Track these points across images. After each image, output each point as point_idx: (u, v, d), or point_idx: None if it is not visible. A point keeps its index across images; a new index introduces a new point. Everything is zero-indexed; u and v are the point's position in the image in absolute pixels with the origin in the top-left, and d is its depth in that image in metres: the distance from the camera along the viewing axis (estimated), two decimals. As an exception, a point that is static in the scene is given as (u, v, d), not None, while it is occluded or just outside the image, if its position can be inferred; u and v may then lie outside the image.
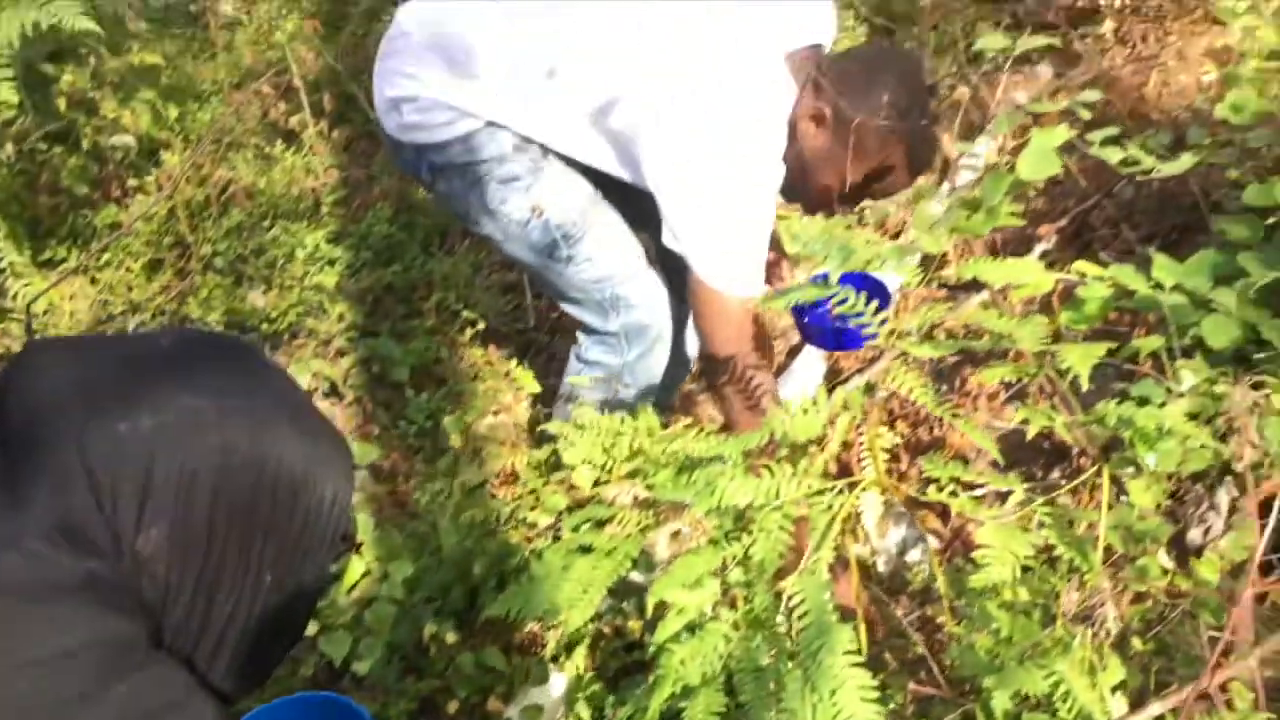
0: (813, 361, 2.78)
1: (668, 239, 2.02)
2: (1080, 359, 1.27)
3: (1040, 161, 1.35)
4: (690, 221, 1.97)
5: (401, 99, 2.15)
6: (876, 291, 2.16)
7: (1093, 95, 1.43)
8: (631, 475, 1.94)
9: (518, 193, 2.18)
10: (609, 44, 2.03)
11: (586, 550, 1.72)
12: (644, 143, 1.99)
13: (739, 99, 1.94)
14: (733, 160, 1.93)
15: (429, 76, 2.12)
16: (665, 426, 2.04)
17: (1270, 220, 2.13)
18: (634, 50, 2.01)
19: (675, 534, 1.72)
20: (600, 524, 1.87)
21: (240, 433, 1.00)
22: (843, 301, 1.46)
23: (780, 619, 1.40)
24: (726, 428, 2.09)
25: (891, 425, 2.58)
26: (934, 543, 2.28)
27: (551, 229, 2.21)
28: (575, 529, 1.93)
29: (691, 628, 1.46)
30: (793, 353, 2.85)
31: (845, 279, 2.41)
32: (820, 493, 1.49)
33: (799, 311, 2.21)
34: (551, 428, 2.14)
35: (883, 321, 1.46)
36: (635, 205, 2.15)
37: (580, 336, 2.42)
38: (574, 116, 2.08)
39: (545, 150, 2.15)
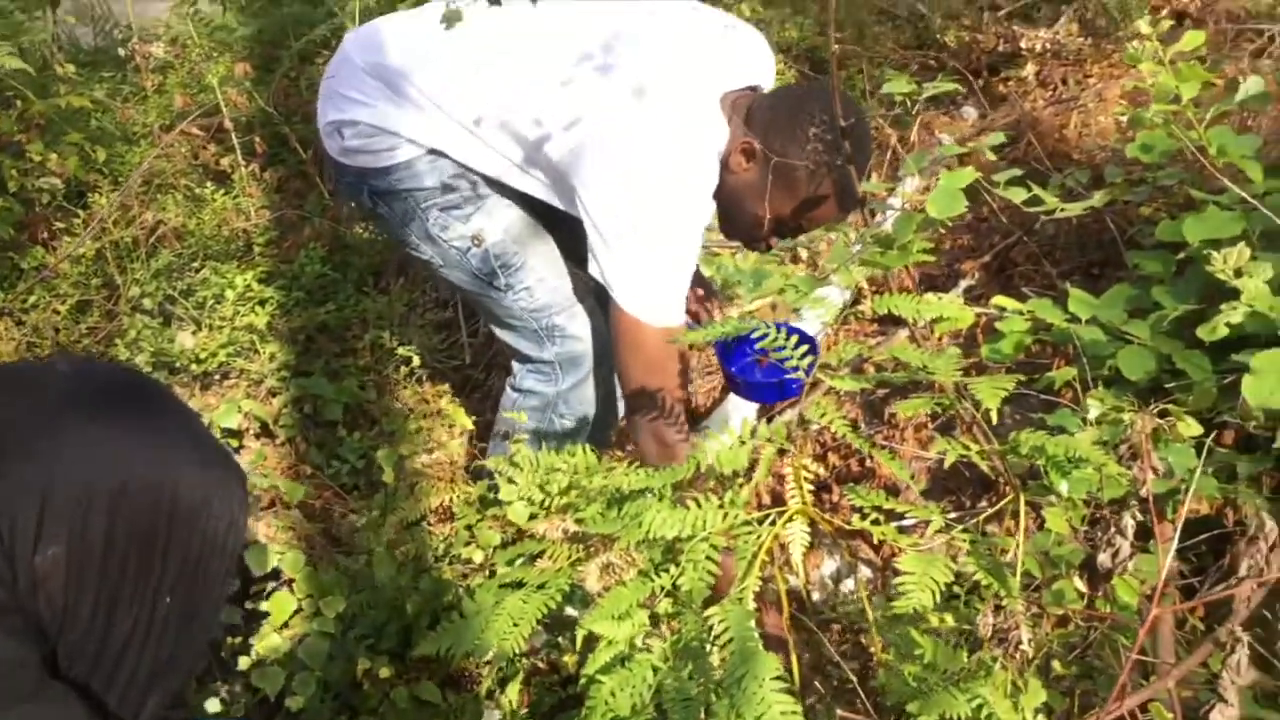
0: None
1: (591, 266, 2.04)
2: (989, 392, 1.30)
3: (947, 201, 1.40)
4: (613, 249, 1.99)
5: (343, 123, 2.17)
6: (804, 340, 2.19)
7: (998, 138, 1.48)
8: (564, 509, 1.95)
9: (458, 221, 2.20)
10: (545, 78, 2.05)
11: (518, 585, 1.73)
12: (577, 173, 2.02)
13: (669, 136, 1.97)
14: (659, 193, 1.96)
15: (371, 102, 2.14)
16: (601, 461, 2.05)
17: (1181, 255, 2.21)
18: (569, 86, 2.03)
19: (606, 566, 1.73)
20: (532, 559, 1.88)
21: (139, 458, 1.03)
22: (765, 340, 1.49)
23: (710, 648, 1.42)
24: (641, 461, 2.11)
25: (823, 457, 2.62)
26: (867, 572, 2.31)
27: (491, 258, 2.23)
28: (508, 564, 1.93)
29: (622, 659, 1.47)
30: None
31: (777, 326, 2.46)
32: (747, 523, 1.51)
33: (723, 360, 2.26)
34: (488, 464, 2.15)
35: (809, 370, 1.49)
36: (574, 236, 2.18)
37: (515, 365, 2.43)
38: (510, 149, 2.11)
39: (485, 179, 2.17)
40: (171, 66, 3.99)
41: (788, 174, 1.99)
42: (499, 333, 2.41)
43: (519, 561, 1.89)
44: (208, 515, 1.07)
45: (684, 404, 2.08)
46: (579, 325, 2.30)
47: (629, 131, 1.97)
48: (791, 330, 2.15)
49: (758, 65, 2.16)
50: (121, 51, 4.07)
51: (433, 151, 2.13)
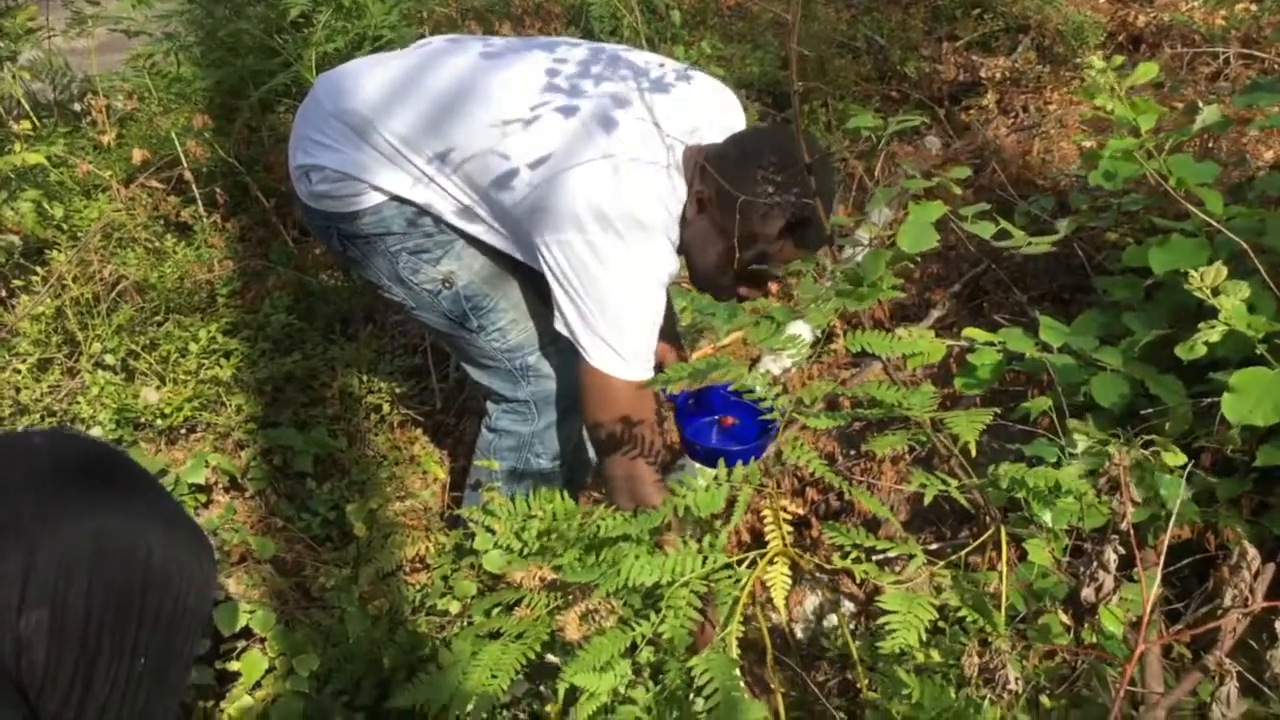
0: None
1: (558, 322, 2.04)
2: (966, 427, 1.29)
3: (919, 235, 1.39)
4: (579, 306, 1.99)
5: (310, 167, 2.15)
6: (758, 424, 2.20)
7: (964, 171, 1.48)
8: (540, 553, 1.92)
9: (427, 264, 2.19)
10: (509, 120, 2.04)
11: (496, 635, 1.70)
12: (539, 231, 2.01)
13: (630, 193, 1.96)
14: (621, 252, 1.96)
15: (337, 147, 2.12)
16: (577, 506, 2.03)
17: (1150, 280, 2.21)
18: (530, 143, 2.02)
19: (586, 614, 1.70)
20: (509, 608, 1.84)
21: (115, 527, 1.08)
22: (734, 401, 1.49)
23: (694, 696, 1.39)
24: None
25: (801, 492, 2.60)
26: (850, 606, 2.28)
27: (461, 300, 2.22)
28: (485, 614, 1.89)
29: (605, 710, 1.45)
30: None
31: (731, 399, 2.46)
32: (727, 567, 1.49)
33: (680, 420, 2.25)
34: (463, 513, 2.12)
35: (760, 450, 1.49)
36: (543, 277, 2.16)
37: (489, 406, 2.41)
38: (473, 196, 2.10)
39: (451, 226, 2.16)
40: (131, 119, 3.95)
41: (742, 217, 1.97)
42: (473, 373, 2.39)
43: (496, 611, 1.86)
44: (179, 579, 1.12)
45: (656, 453, 2.06)
46: (552, 364, 2.29)
47: (589, 188, 1.96)
48: (752, 408, 2.15)
49: (722, 118, 2.15)
50: (77, 106, 4.04)
51: (396, 198, 2.12)
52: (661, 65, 2.16)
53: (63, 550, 1.04)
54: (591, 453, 2.37)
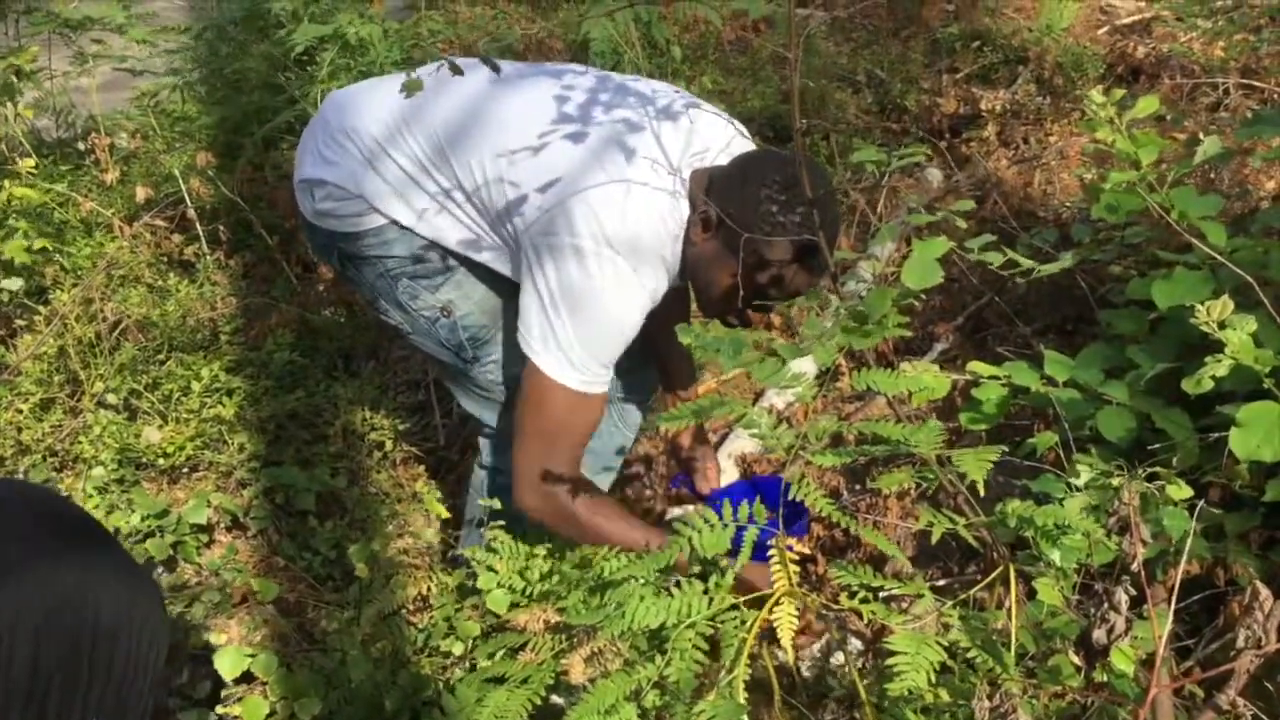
0: (726, 468, 2.79)
1: (520, 324, 2.01)
2: (974, 465, 1.28)
3: (923, 272, 1.39)
4: (545, 308, 1.96)
5: (314, 182, 2.15)
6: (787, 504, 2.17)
7: (968, 204, 1.48)
8: (544, 597, 1.91)
9: (427, 291, 2.18)
10: (518, 146, 2.03)
11: (500, 680, 1.68)
12: (530, 239, 1.99)
13: (632, 220, 1.95)
14: (609, 268, 1.94)
15: (341, 163, 2.12)
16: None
17: (1154, 313, 2.20)
18: (539, 168, 2.01)
19: (591, 657, 1.68)
20: (514, 651, 1.83)
21: (60, 583, 1.05)
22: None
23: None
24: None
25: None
26: (857, 645, 2.26)
27: (459, 329, 2.21)
28: (489, 657, 1.88)
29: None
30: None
31: (762, 482, 2.44)
32: (733, 608, 1.47)
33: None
34: (464, 553, 2.10)
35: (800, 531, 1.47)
36: None
37: (481, 442, 2.40)
38: (479, 219, 2.09)
39: (453, 253, 2.15)
40: (134, 157, 3.97)
41: (747, 242, 1.93)
42: (465, 403, 2.38)
43: (500, 654, 1.84)
44: (129, 634, 1.09)
45: (578, 485, 2.04)
46: None
47: (598, 211, 1.95)
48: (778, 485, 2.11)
49: (732, 144, 2.14)
50: (81, 145, 4.05)
51: (399, 224, 2.11)
52: (670, 93, 2.16)
53: (13, 602, 1.02)
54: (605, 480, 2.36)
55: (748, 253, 1.95)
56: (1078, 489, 1.72)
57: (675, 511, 2.66)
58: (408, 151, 2.08)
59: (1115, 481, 1.61)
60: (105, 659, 1.07)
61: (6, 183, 3.11)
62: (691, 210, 2.01)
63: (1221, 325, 1.66)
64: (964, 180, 3.77)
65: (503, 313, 2.23)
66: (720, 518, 1.48)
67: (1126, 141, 2.13)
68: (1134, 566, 1.27)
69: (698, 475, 2.57)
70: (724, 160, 2.07)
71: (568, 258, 1.93)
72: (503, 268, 2.14)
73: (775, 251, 1.96)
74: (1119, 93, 2.28)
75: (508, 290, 2.20)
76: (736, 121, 2.20)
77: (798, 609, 1.47)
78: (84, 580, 1.07)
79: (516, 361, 2.24)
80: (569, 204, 1.96)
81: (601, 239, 1.93)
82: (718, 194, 1.97)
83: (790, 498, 1.51)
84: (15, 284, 3.03)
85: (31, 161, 3.46)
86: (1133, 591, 1.41)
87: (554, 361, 1.96)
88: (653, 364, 2.52)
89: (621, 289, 1.96)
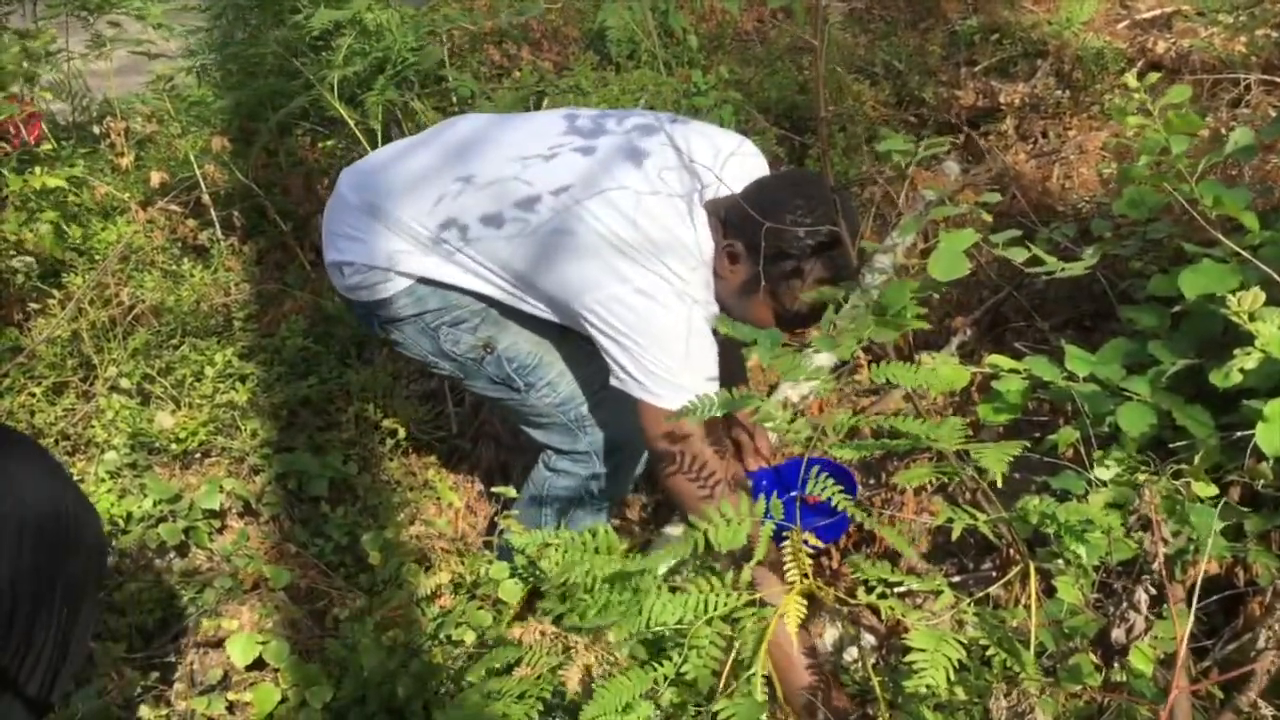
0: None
1: (614, 380, 2.05)
2: (995, 460, 1.26)
3: (950, 263, 1.37)
4: (629, 350, 2.00)
5: (342, 263, 2.22)
6: (841, 478, 2.15)
7: (993, 197, 1.46)
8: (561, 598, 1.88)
9: (467, 333, 2.23)
10: (537, 191, 2.07)
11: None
12: (577, 297, 2.03)
13: (644, 221, 1.98)
14: (653, 281, 1.97)
15: (363, 238, 2.19)
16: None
17: (1176, 308, 2.18)
18: (549, 176, 2.06)
19: (588, 669, 1.66)
20: (509, 667, 1.81)
21: (43, 491, 1.21)
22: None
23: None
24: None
25: (819, 523, 2.56)
26: (870, 641, 2.25)
27: (504, 361, 2.25)
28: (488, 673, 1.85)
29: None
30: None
31: (812, 462, 2.43)
32: (750, 604, 1.46)
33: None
34: (512, 540, 2.09)
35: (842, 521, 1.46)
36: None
37: (549, 452, 2.42)
38: (502, 272, 2.14)
39: (483, 298, 2.20)
40: (149, 142, 3.96)
41: (779, 267, 1.97)
42: (532, 433, 2.41)
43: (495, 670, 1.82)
44: (82, 527, 1.26)
45: (719, 460, 2.04)
46: (607, 412, 2.30)
47: (608, 219, 1.98)
48: (825, 467, 2.10)
49: (748, 167, 2.15)
50: (96, 129, 4.04)
51: (426, 280, 2.17)
52: (666, 120, 2.20)
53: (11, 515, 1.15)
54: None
55: (789, 278, 1.99)
56: (1102, 483, 1.70)
57: (670, 530, 2.65)
58: (430, 198, 2.13)
59: (1140, 477, 1.58)
60: (72, 552, 1.23)
61: (38, 168, 3.10)
62: (714, 244, 2.04)
63: (1252, 317, 1.64)
64: (982, 174, 3.74)
65: (543, 336, 2.28)
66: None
67: (1157, 128, 2.09)
68: (1155, 565, 1.25)
69: (746, 452, 2.56)
70: (739, 183, 2.07)
71: (617, 292, 1.98)
72: (527, 309, 2.19)
73: (813, 272, 1.98)
74: (1154, 76, 2.25)
75: (545, 317, 2.22)
76: (749, 142, 2.20)
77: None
78: (51, 487, 1.23)
79: (573, 379, 2.31)
80: (580, 210, 2.01)
81: (629, 250, 1.98)
82: (738, 226, 2.00)
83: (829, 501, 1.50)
84: (27, 262, 3.02)
85: (49, 145, 3.45)
86: (1153, 590, 1.39)
87: (667, 395, 1.98)
88: None
89: (664, 300, 1.99)
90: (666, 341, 1.98)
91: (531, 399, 2.30)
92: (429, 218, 2.13)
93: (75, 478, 2.66)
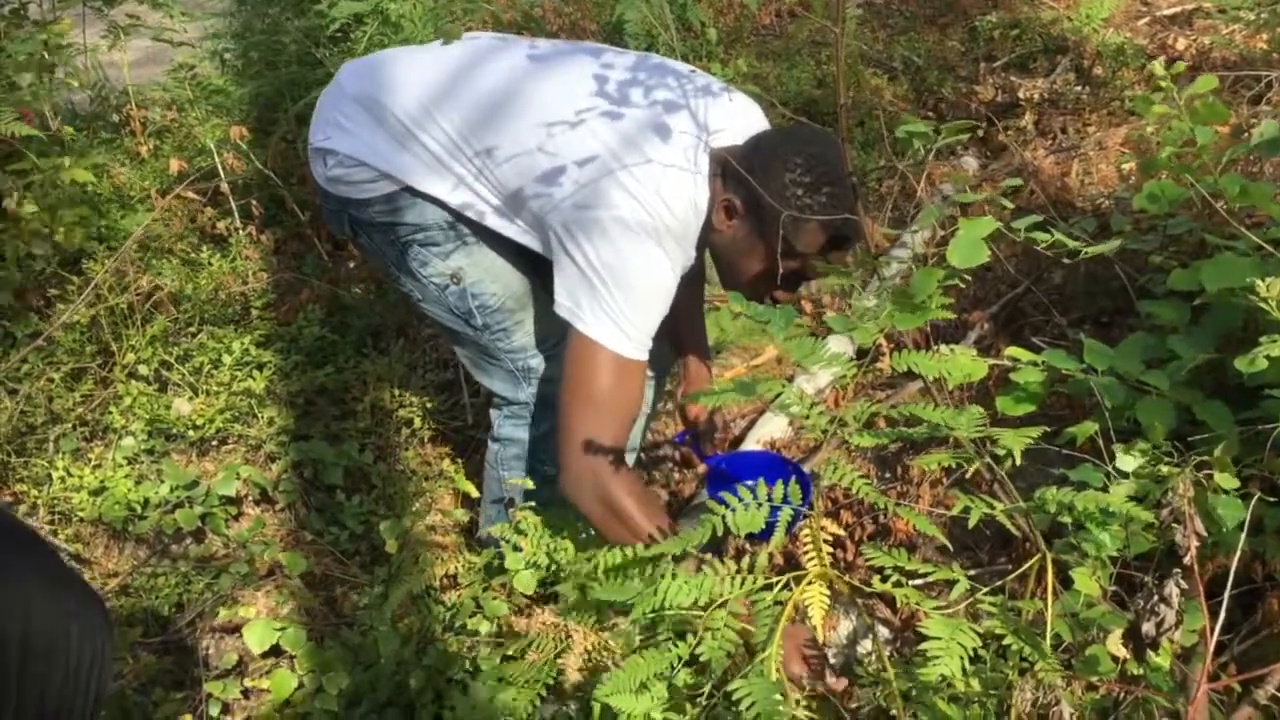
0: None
1: (559, 295, 1.99)
2: (1014, 440, 1.26)
3: (969, 251, 1.36)
4: (589, 278, 1.94)
5: (327, 150, 2.15)
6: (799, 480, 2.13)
7: (1014, 182, 1.45)
8: (569, 579, 1.89)
9: (437, 258, 2.18)
10: (550, 138, 2.02)
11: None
12: (559, 216, 1.99)
13: (664, 202, 1.95)
14: (645, 243, 1.93)
15: (354, 130, 2.12)
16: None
17: (1196, 303, 2.16)
18: (577, 144, 2.00)
19: (588, 653, 1.67)
20: (519, 654, 1.81)
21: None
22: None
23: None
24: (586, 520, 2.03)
25: (836, 514, 2.55)
26: (884, 632, 2.24)
27: (468, 297, 2.21)
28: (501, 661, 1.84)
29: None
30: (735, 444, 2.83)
31: (762, 460, 2.41)
32: (768, 587, 1.46)
33: (712, 490, 2.21)
34: (492, 531, 2.09)
35: (797, 517, 1.46)
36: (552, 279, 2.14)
37: (492, 414, 2.41)
38: (497, 190, 2.08)
39: (464, 219, 2.14)
40: (168, 130, 3.97)
41: (774, 222, 1.91)
42: (474, 373, 2.39)
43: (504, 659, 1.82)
44: (66, 648, 0.95)
45: (621, 453, 1.99)
46: (556, 368, 2.22)
47: (633, 192, 1.94)
48: (788, 470, 2.08)
49: (749, 120, 2.14)
50: (115, 118, 4.06)
51: (409, 189, 2.10)
52: (704, 77, 2.14)
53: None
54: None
55: (785, 235, 1.93)
56: (1123, 475, 1.69)
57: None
58: (443, 125, 2.07)
59: (1164, 470, 1.57)
60: (39, 677, 0.92)
61: (67, 160, 3.12)
62: (711, 194, 2.01)
63: (1279, 305, 1.62)
64: (1000, 168, 3.73)
65: (511, 280, 2.23)
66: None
67: (1183, 117, 2.07)
68: (1186, 560, 1.24)
69: (704, 438, 2.54)
70: (741, 139, 2.05)
71: (608, 231, 1.92)
72: (517, 236, 2.13)
73: (806, 238, 1.95)
74: (1181, 65, 2.23)
75: (521, 261, 2.21)
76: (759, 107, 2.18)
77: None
78: (15, 597, 0.91)
79: (531, 331, 2.26)
80: (604, 182, 1.95)
81: (637, 216, 1.92)
82: (738, 178, 1.96)
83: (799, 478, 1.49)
84: (44, 248, 3.04)
85: (70, 130, 3.47)
86: (1184, 585, 1.38)
87: (608, 330, 1.93)
88: (667, 341, 2.49)
89: (657, 262, 1.95)
90: (624, 279, 1.93)
91: (484, 339, 2.26)
92: (447, 147, 2.07)
93: (93, 463, 2.68)
